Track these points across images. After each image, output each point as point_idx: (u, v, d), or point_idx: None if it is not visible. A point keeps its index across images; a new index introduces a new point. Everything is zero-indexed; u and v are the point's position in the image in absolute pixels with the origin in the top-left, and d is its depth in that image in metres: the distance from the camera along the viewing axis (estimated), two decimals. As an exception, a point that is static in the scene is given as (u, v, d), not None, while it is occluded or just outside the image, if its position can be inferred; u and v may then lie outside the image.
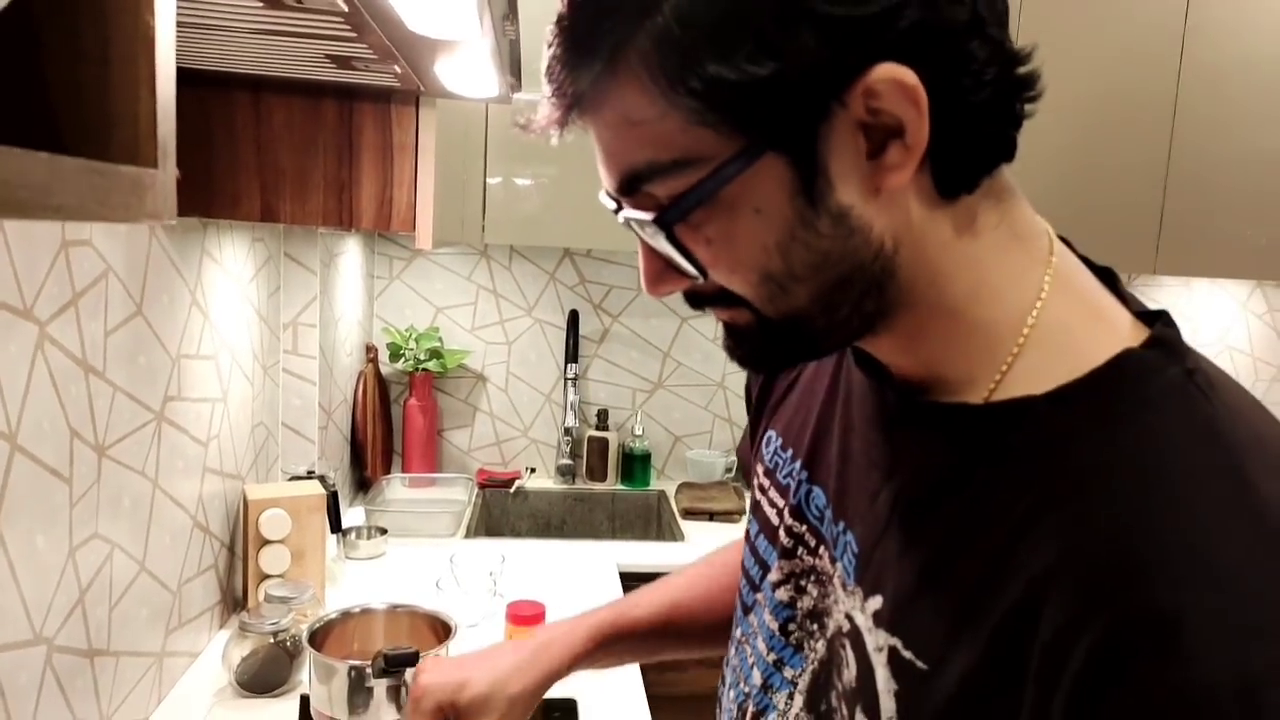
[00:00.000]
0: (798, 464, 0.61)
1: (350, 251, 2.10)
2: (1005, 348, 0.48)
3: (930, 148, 0.44)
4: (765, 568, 0.63)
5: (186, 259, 1.31)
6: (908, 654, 0.48)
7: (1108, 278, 0.51)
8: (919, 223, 0.46)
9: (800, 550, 0.60)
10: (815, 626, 0.57)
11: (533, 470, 2.52)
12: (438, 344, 2.39)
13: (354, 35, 0.79)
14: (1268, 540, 0.40)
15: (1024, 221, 0.50)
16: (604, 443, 2.48)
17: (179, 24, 0.83)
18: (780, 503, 0.62)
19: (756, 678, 0.62)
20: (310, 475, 1.73)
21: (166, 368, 1.25)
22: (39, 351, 0.93)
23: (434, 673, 0.75)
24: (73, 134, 0.39)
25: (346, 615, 1.20)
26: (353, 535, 1.88)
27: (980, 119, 0.45)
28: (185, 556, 1.35)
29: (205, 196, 1.21)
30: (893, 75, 0.42)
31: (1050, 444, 0.45)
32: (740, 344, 0.51)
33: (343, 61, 0.94)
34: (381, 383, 2.38)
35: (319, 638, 1.14)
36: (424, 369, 2.35)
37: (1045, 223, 0.52)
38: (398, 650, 0.91)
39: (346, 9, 0.69)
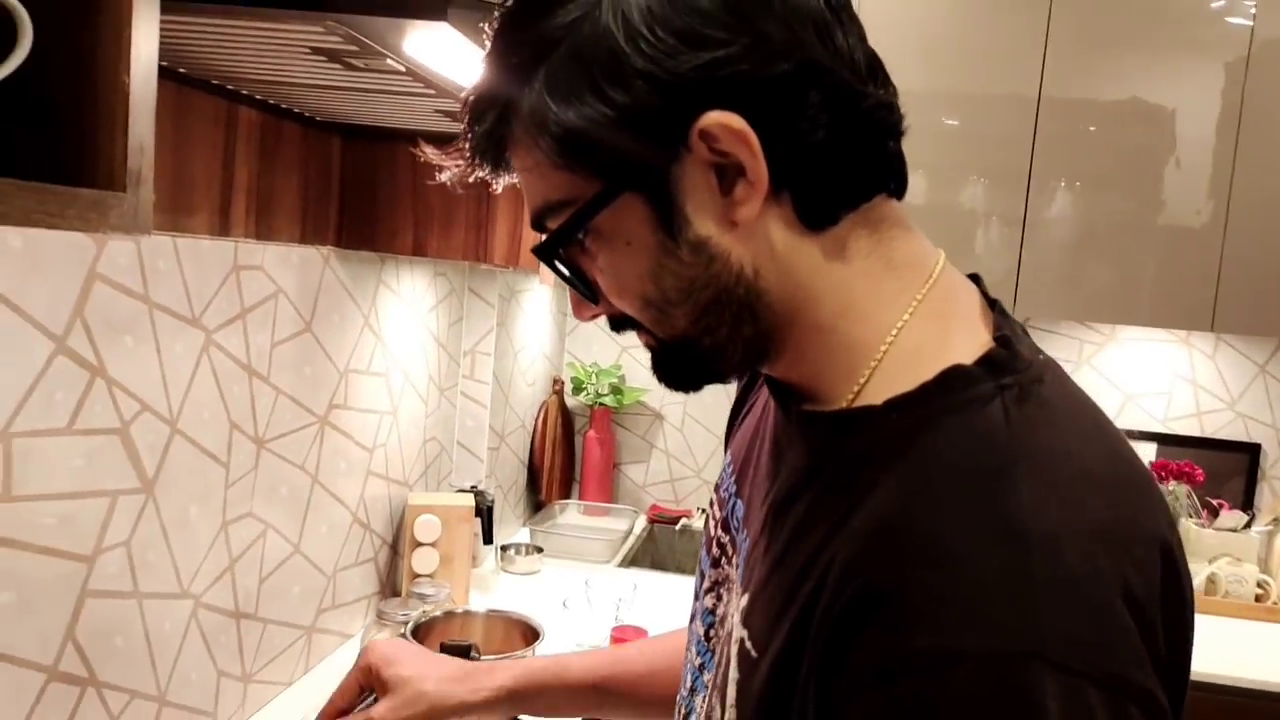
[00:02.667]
0: (733, 479, 0.66)
1: (535, 289, 2.28)
2: (864, 363, 0.52)
3: (787, 184, 0.49)
4: (702, 578, 0.67)
5: (361, 286, 1.51)
6: (749, 645, 0.52)
7: (997, 308, 0.54)
8: (784, 251, 0.51)
9: (723, 559, 0.64)
10: (723, 631, 0.61)
11: (703, 510, 2.57)
12: (617, 380, 2.52)
13: (432, 93, 0.92)
14: (1003, 535, 0.42)
15: (902, 251, 0.53)
16: (775, 489, 2.48)
17: (322, 86, 0.99)
18: (718, 515, 0.67)
19: (688, 682, 0.66)
20: (473, 490, 1.89)
21: (333, 379, 1.45)
22: (204, 354, 1.13)
23: (385, 644, 0.83)
24: (73, 163, 0.51)
25: (450, 615, 1.32)
26: (511, 551, 2.02)
27: (825, 158, 0.49)
28: (343, 547, 1.53)
29: (370, 233, 1.40)
30: (719, 121, 0.47)
31: (876, 448, 0.49)
32: (657, 367, 0.58)
33: (451, 115, 1.08)
34: (566, 413, 2.54)
35: (422, 631, 1.26)
36: (602, 403, 2.48)
37: (937, 254, 0.55)
38: (454, 642, 0.99)
39: (403, 69, 0.81)
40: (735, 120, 0.47)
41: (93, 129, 0.51)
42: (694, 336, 0.53)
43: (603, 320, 0.59)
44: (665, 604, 1.85)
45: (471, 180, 0.58)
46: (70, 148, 0.51)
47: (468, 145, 0.55)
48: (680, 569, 2.44)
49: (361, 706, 0.82)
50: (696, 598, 0.68)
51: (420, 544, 1.68)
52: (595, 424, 2.53)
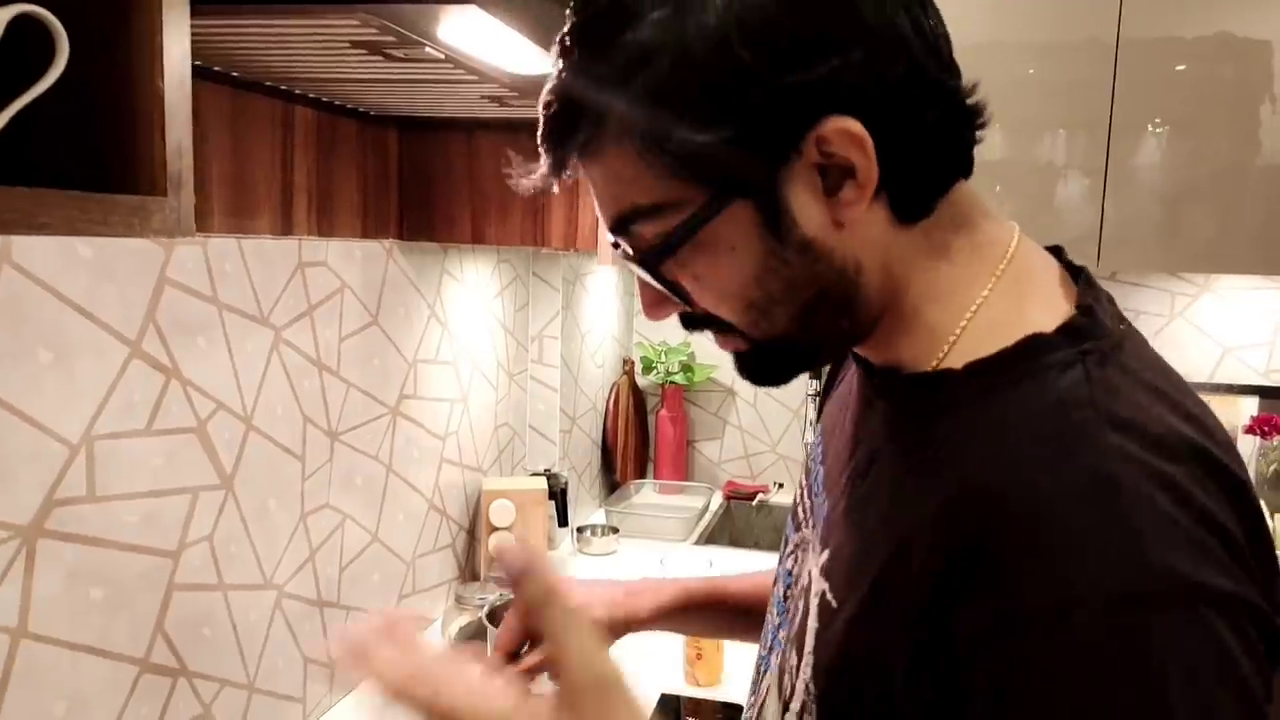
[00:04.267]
0: (820, 447, 0.68)
1: (599, 271, 2.27)
2: (944, 341, 0.53)
3: (883, 181, 0.50)
4: (786, 542, 0.69)
5: (425, 277, 1.53)
6: (829, 596, 0.54)
7: (1077, 275, 0.55)
8: (883, 245, 0.52)
9: (804, 524, 0.66)
10: (798, 590, 0.62)
11: (780, 485, 2.54)
12: (687, 358, 2.50)
13: (474, 78, 0.91)
14: (1096, 486, 0.43)
15: (981, 232, 0.54)
16: (852, 461, 2.43)
17: (370, 80, 1.00)
18: (804, 484, 0.69)
19: (766, 641, 0.67)
20: (546, 473, 1.91)
21: (402, 370, 1.47)
22: (274, 351, 1.15)
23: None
24: (115, 172, 0.52)
25: (526, 596, 1.32)
26: (587, 533, 2.04)
27: (925, 153, 0.51)
28: (420, 534, 1.56)
29: (429, 223, 1.41)
30: (840, 126, 0.48)
31: (956, 410, 0.50)
32: (744, 365, 0.58)
33: (498, 100, 1.07)
34: (637, 393, 2.54)
35: (498, 614, 1.28)
36: (672, 381, 2.47)
37: (1012, 230, 0.56)
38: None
39: (442, 56, 0.81)
40: (854, 125, 0.47)
41: (131, 136, 0.52)
42: (791, 333, 0.54)
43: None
44: (743, 581, 1.84)
45: (554, 190, 0.56)
46: (111, 156, 0.52)
47: (548, 148, 0.53)
48: (758, 545, 2.42)
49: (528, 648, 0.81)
50: (780, 562, 0.70)
51: (496, 528, 1.70)
52: (667, 402, 2.52)
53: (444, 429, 1.63)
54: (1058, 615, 0.41)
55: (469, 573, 1.75)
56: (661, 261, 0.52)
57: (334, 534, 1.31)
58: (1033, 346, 0.49)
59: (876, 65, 0.47)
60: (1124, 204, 1.98)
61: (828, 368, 0.80)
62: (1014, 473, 0.45)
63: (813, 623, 0.55)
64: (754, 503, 2.45)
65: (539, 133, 0.53)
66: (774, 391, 2.54)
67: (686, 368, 2.49)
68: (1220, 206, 1.95)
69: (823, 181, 0.49)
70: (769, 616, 0.68)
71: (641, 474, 2.55)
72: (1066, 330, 0.49)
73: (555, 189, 0.57)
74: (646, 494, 2.44)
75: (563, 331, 2.02)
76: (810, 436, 2.42)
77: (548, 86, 0.52)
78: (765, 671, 0.65)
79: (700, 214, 0.50)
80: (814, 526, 0.62)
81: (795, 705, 0.55)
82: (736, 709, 1.34)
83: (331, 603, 1.31)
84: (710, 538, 2.24)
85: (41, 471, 0.84)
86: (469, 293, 1.69)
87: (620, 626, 0.82)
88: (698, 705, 1.35)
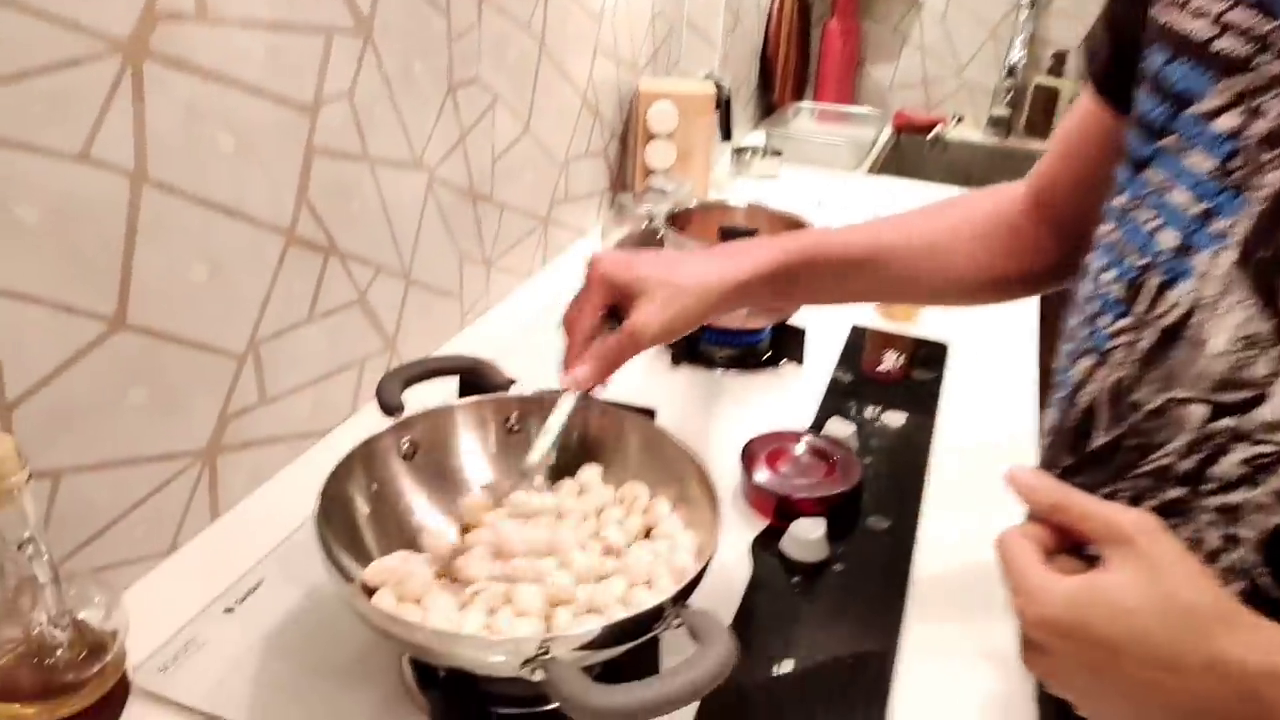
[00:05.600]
0: None
1: None
2: None
3: None
4: (1184, 102, 0.50)
5: None
6: None
7: None
8: None
9: (1259, 58, 0.46)
10: (1269, 155, 0.45)
11: (960, 119, 2.22)
12: (870, -46, 2.08)
13: None
14: None
15: None
16: (1053, 94, 2.07)
17: None
18: (1215, 9, 0.48)
19: (1168, 241, 0.50)
20: (708, 79, 1.64)
21: (556, -81, 1.18)
22: None
23: (611, 254, 0.68)
24: None
25: (707, 207, 1.14)
26: (747, 154, 1.80)
27: None
28: (573, 134, 1.36)
29: None
30: None
31: None
32: None
33: None
34: (803, 2, 2.16)
35: (680, 220, 1.10)
36: (850, -16, 2.08)
37: None
38: (734, 227, 0.82)
39: None
40: None
41: None
42: None
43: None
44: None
45: None
46: None
47: None
48: (932, 181, 2.16)
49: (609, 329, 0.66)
50: (1158, 135, 0.51)
51: (654, 136, 1.48)
52: (838, 12, 2.15)
53: (600, 7, 1.35)
54: None
55: (620, 183, 1.56)
56: None
57: (484, 116, 1.11)
58: None
59: None
60: None
61: None
62: None
63: None
64: (929, 137, 2.15)
65: None
66: (970, 3, 2.13)
67: (867, -32, 2.08)
68: None
69: None
70: (1160, 209, 0.51)
71: (799, 95, 2.25)
72: None
73: None
74: (804, 119, 2.16)
75: (735, -100, 1.64)
76: (1018, 52, 2.04)
77: None
78: (1179, 278, 0.49)
79: None
80: None
81: None
82: (935, 345, 1.18)
83: (484, 196, 1.14)
84: (880, 170, 1.99)
85: (136, -34, 0.63)
86: None
87: (714, 297, 0.66)
88: (888, 339, 1.19)
